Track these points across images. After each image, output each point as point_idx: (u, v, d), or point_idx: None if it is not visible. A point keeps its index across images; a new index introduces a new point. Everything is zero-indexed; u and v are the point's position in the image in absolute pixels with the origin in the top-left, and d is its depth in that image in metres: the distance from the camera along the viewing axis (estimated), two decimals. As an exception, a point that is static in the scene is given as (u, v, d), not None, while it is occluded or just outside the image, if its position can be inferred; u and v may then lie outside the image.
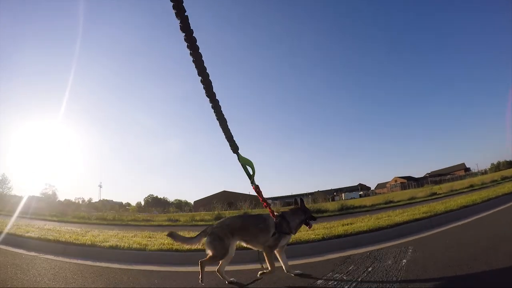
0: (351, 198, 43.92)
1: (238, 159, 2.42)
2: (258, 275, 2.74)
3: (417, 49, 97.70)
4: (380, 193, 48.28)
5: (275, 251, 2.74)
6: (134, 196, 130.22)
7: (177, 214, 14.32)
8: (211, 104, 2.03)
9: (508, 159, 46.29)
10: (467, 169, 53.82)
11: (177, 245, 3.94)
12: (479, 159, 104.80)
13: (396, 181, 60.40)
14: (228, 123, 2.23)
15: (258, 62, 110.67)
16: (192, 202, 62.88)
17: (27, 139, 73.20)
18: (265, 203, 2.76)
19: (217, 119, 2.12)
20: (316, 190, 65.10)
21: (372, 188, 66.64)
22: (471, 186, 15.92)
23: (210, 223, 8.65)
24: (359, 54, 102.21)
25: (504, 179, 17.11)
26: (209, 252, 2.55)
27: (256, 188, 2.66)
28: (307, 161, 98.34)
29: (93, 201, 52.94)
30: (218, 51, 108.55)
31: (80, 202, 48.31)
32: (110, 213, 16.85)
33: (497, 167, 45.03)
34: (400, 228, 4.62)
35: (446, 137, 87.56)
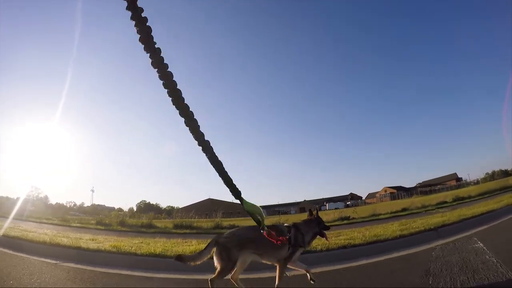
0: (335, 209, 43.50)
1: (242, 205, 2.13)
2: (311, 281, 2.67)
3: (410, 57, 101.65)
4: (370, 203, 48.05)
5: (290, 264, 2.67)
6: (128, 201, 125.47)
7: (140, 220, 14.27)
8: (200, 147, 1.78)
9: (503, 168, 44.05)
10: (459, 179, 52.73)
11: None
12: (474, 169, 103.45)
13: (385, 191, 59.92)
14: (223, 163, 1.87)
15: (254, 67, 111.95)
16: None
17: (21, 141, 72.46)
18: (279, 241, 2.40)
19: (211, 163, 1.85)
20: (303, 200, 65.46)
21: (364, 197, 66.57)
22: (404, 210, 13.08)
23: (153, 230, 9.70)
24: (355, 61, 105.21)
25: (456, 200, 14.51)
26: (217, 265, 2.38)
27: (268, 234, 2.32)
28: (300, 169, 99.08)
29: (85, 205, 52.90)
30: (214, 53, 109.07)
31: (72, 206, 49.49)
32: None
33: (491, 176, 43.47)
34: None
35: (441, 146, 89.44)
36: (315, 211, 2.89)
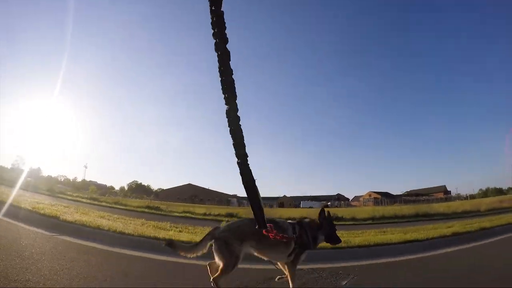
0: (309, 207, 42.75)
1: None
2: (276, 280, 2.59)
3: (413, 64, 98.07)
4: (355, 206, 48.71)
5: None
6: (121, 180, 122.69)
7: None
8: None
9: (498, 186, 44.59)
10: (447, 192, 52.44)
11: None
12: (468, 184, 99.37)
13: (370, 195, 59.16)
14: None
15: (256, 61, 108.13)
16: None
17: (17, 112, 73.58)
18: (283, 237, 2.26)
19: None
20: (283, 195, 65.04)
21: (351, 199, 65.76)
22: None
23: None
24: (358, 58, 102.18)
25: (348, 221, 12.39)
26: (219, 263, 2.23)
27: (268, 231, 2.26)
28: (292, 164, 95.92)
29: (78, 180, 54.03)
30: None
31: (62, 180, 50.11)
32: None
33: (485, 193, 44.26)
34: None
35: (438, 158, 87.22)
36: (327, 214, 2.57)
